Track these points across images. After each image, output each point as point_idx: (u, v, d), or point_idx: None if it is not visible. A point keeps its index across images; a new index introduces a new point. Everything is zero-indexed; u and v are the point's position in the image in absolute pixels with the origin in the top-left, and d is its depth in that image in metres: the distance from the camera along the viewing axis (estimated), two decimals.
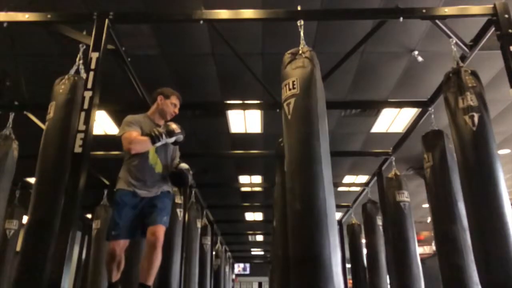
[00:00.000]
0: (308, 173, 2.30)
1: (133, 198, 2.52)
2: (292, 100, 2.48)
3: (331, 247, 2.09)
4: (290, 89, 2.51)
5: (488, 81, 4.71)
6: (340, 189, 8.20)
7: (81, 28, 3.27)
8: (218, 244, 10.38)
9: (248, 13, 3.11)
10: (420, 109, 4.31)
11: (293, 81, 2.51)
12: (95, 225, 5.80)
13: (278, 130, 2.96)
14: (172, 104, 2.76)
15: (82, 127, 2.51)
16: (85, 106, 2.57)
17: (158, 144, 2.53)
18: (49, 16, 3.03)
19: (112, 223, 2.50)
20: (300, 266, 2.15)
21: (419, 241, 6.25)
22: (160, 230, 2.46)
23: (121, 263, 2.57)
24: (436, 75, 4.15)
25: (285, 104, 2.51)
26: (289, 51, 2.67)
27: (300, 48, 2.64)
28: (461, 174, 2.83)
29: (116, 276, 2.55)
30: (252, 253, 18.30)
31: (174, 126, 2.59)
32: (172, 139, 2.58)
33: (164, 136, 2.51)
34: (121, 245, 2.51)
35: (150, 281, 2.42)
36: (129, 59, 3.51)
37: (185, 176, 2.66)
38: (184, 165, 2.69)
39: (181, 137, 2.62)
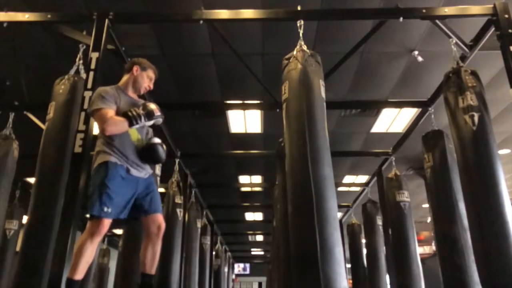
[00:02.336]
0: (296, 173, 2.35)
1: (128, 175, 2.25)
2: (285, 105, 2.58)
3: (320, 246, 2.08)
4: (283, 94, 2.61)
5: (488, 81, 4.71)
6: (340, 189, 8.19)
7: (81, 28, 3.27)
8: (218, 244, 10.38)
9: (248, 13, 3.11)
10: (420, 109, 4.32)
11: (284, 86, 2.60)
12: None
13: (278, 130, 2.97)
14: (148, 77, 2.51)
15: (82, 127, 2.51)
16: (85, 106, 2.57)
17: (136, 126, 2.29)
18: (49, 16, 3.03)
19: (105, 198, 2.12)
20: (292, 266, 2.18)
21: (419, 241, 6.25)
22: (163, 219, 2.39)
23: (93, 254, 2.17)
24: (436, 75, 4.15)
25: (282, 109, 2.63)
26: (285, 56, 2.71)
27: (295, 50, 2.68)
28: (461, 174, 2.83)
29: (84, 270, 2.12)
30: (252, 253, 18.29)
31: (153, 106, 2.35)
32: (151, 122, 2.35)
33: (143, 118, 2.27)
34: (108, 226, 2.15)
35: (154, 271, 2.37)
36: (129, 59, 3.51)
37: (155, 150, 2.39)
38: (155, 139, 2.43)
39: (160, 120, 2.41)
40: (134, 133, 2.35)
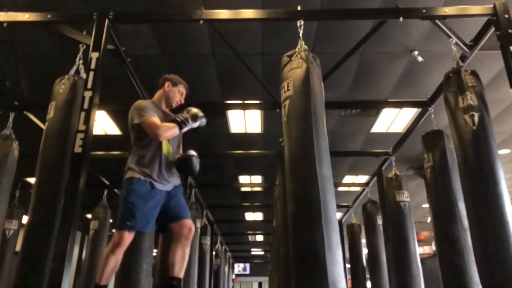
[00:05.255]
0: (301, 173, 2.33)
1: (151, 190, 2.33)
2: (287, 102, 2.54)
3: (327, 246, 2.08)
4: (285, 92, 2.58)
5: (488, 81, 4.71)
6: (340, 189, 8.20)
7: (81, 28, 3.27)
8: (218, 244, 10.38)
9: (248, 13, 3.11)
10: (420, 109, 4.32)
11: (287, 84, 2.57)
12: (93, 225, 5.81)
13: (278, 130, 2.96)
14: (179, 92, 2.65)
15: (82, 127, 2.51)
16: (85, 106, 2.58)
17: (185, 129, 2.40)
18: (49, 16, 3.03)
19: (127, 213, 2.25)
20: (296, 266, 2.17)
21: (419, 241, 6.26)
22: (192, 223, 2.46)
23: (118, 263, 2.30)
24: (436, 75, 4.15)
25: (282, 106, 2.58)
26: (286, 54, 2.70)
27: (296, 49, 2.67)
28: (461, 174, 2.83)
29: (109, 277, 2.28)
30: (252, 253, 18.30)
31: (196, 110, 2.44)
32: (197, 124, 2.44)
33: (190, 120, 2.38)
34: (131, 238, 2.28)
35: (182, 274, 2.41)
36: (129, 59, 3.52)
37: (191, 162, 2.45)
38: (191, 151, 2.51)
39: (204, 121, 2.48)
40: (166, 145, 2.44)
